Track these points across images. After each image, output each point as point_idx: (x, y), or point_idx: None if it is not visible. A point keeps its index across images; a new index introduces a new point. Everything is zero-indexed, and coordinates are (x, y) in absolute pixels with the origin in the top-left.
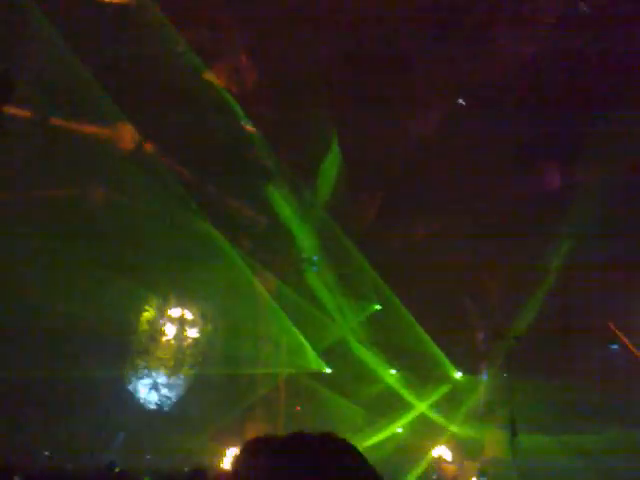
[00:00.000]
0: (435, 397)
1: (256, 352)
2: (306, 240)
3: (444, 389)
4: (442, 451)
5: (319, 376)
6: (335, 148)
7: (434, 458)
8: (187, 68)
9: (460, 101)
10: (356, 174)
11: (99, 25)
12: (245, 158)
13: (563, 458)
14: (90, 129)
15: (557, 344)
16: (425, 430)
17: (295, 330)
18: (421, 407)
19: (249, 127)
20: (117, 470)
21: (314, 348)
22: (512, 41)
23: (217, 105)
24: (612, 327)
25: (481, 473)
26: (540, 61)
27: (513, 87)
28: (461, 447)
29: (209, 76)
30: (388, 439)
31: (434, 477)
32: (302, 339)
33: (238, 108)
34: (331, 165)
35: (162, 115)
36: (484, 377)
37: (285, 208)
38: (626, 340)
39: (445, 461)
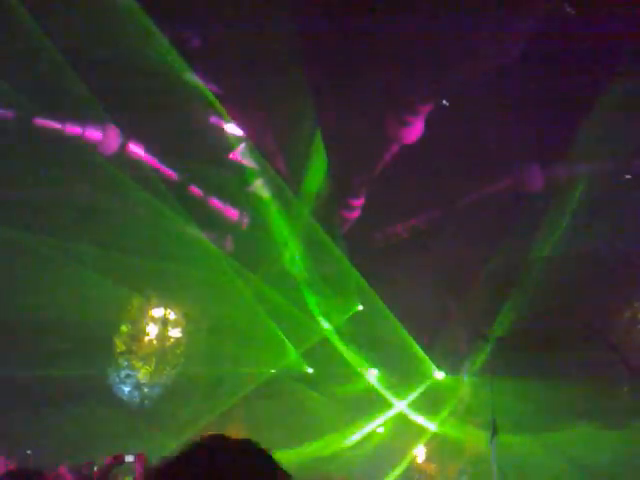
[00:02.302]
0: (416, 397)
1: (238, 352)
2: (289, 240)
3: (425, 389)
4: (423, 451)
5: (301, 376)
6: (320, 148)
7: (415, 458)
8: (171, 69)
9: (444, 101)
10: (340, 173)
11: (83, 24)
12: (229, 159)
13: (543, 456)
14: (72, 129)
15: (538, 344)
16: (406, 430)
17: (277, 330)
18: (402, 407)
19: (233, 128)
20: (95, 469)
21: (296, 348)
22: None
23: (201, 106)
24: (594, 327)
25: (461, 472)
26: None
27: (497, 88)
28: (442, 447)
29: (193, 77)
30: (368, 438)
31: (416, 477)
32: (284, 339)
33: (222, 109)
34: (316, 166)
35: (146, 116)
36: (465, 377)
37: (269, 208)
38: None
39: (425, 463)
